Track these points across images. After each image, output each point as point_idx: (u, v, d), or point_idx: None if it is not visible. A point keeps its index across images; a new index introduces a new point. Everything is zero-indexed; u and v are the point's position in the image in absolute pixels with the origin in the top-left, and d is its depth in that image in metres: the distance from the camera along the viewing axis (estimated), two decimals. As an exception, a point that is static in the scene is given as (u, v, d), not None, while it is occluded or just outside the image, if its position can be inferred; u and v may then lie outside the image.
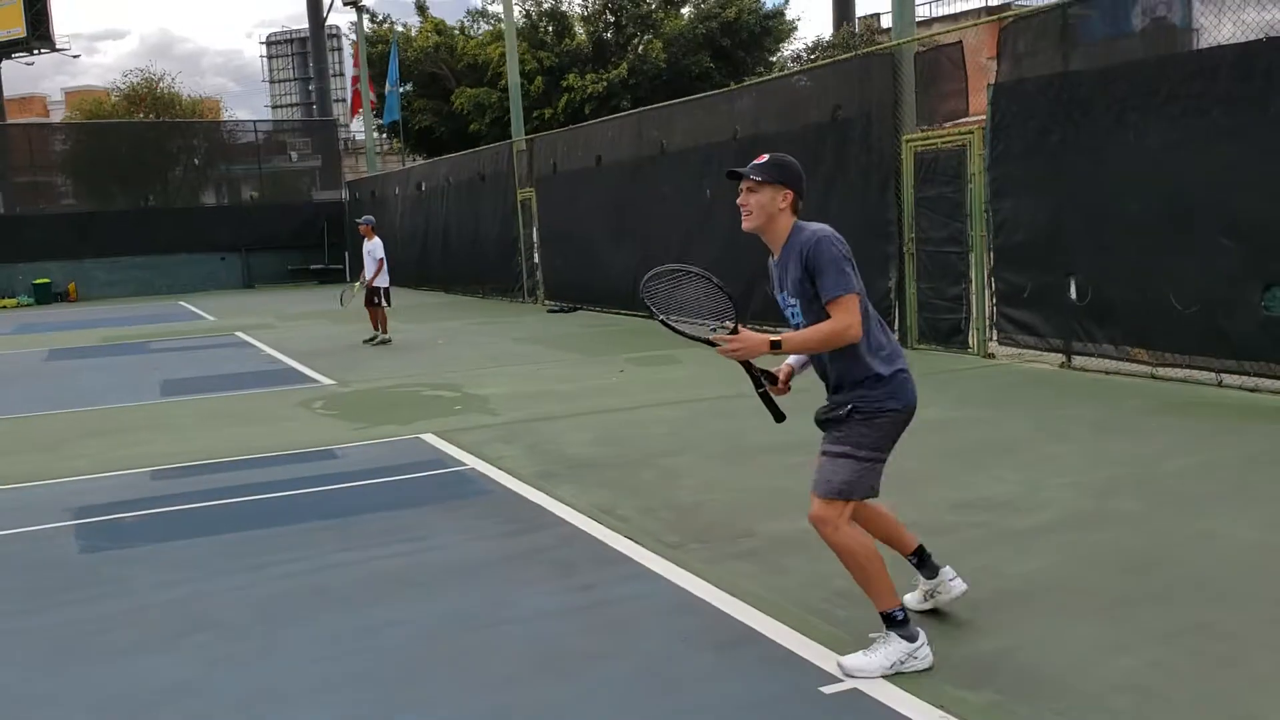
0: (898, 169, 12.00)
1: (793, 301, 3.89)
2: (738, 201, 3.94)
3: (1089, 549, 5.09)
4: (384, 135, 41.37)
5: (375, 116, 36.23)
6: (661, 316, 3.94)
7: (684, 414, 9.04)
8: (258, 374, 12.96)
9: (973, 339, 11.34)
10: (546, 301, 20.66)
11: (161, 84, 45.75)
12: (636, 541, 5.50)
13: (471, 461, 7.53)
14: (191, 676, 4.12)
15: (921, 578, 4.31)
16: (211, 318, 22.88)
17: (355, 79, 34.94)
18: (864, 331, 3.78)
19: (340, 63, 77.87)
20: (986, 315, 11.17)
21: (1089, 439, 7.42)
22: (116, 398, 11.53)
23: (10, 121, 44.83)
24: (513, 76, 23.21)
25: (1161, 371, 9.31)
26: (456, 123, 37.02)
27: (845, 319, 3.71)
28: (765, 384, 4.01)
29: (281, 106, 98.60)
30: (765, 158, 3.97)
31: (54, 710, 3.89)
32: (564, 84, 34.37)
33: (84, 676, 4.17)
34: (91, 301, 31.48)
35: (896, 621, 3.81)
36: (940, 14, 39.29)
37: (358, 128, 40.47)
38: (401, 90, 37.15)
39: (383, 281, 15.62)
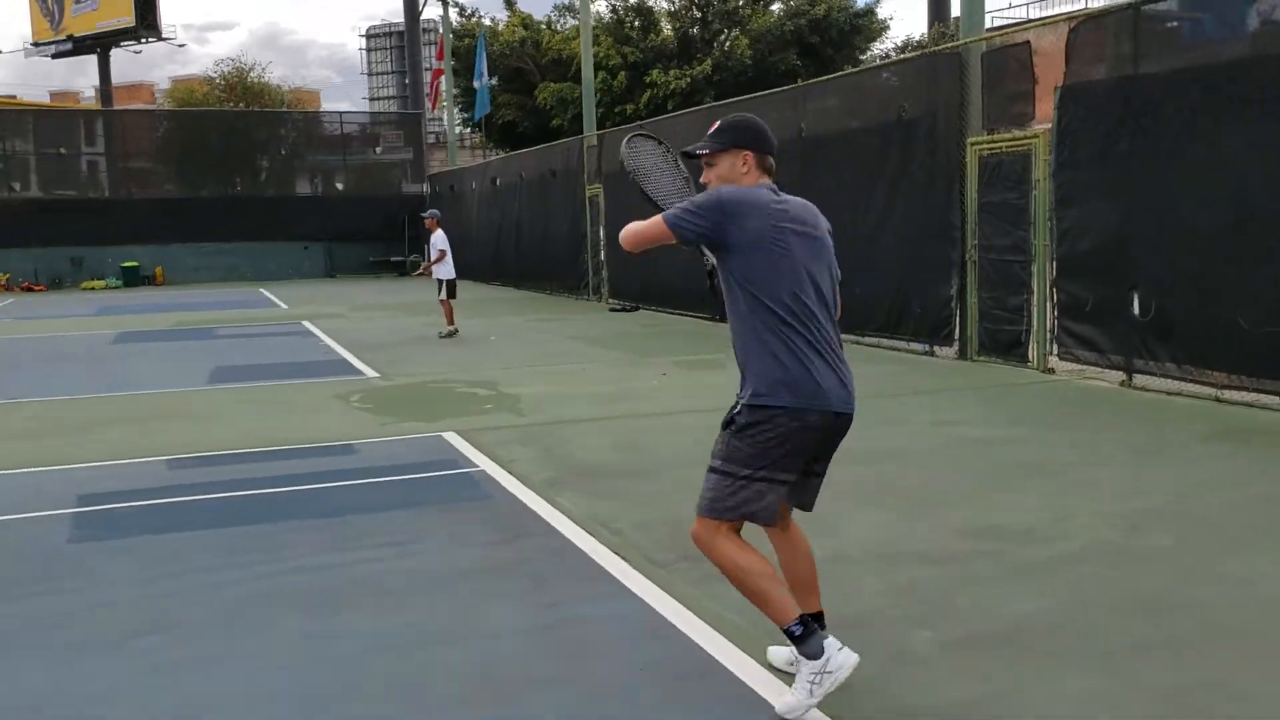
0: (962, 173, 11.54)
1: None
2: (700, 181, 3.63)
3: (1104, 587, 4.70)
4: (470, 130, 41.67)
5: (461, 111, 36.46)
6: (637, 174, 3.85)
7: (716, 421, 8.73)
8: (308, 364, 12.99)
9: (1032, 352, 10.84)
10: (610, 300, 20.50)
11: (252, 74, 46.75)
12: (623, 558, 5.25)
13: (483, 463, 7.35)
14: (128, 683, 3.98)
15: (794, 647, 3.54)
16: (285, 306, 23.19)
17: (437, 72, 35.15)
18: (758, 321, 3.45)
19: (434, 57, 78.98)
20: (1047, 328, 10.67)
21: (1134, 464, 6.96)
22: (164, 383, 11.63)
23: (106, 108, 46.15)
24: (586, 70, 23.08)
25: (1226, 394, 8.75)
26: (540, 118, 37.07)
27: (644, 225, 3.53)
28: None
29: (379, 99, 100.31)
30: (717, 124, 3.65)
31: (-22, 711, 3.79)
32: (648, 80, 34.19)
33: (16, 676, 4.06)
34: (176, 286, 32.21)
35: (795, 637, 3.47)
36: (1036, 15, 38.17)
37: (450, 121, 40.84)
38: (490, 84, 37.34)
39: (445, 273, 15.60)
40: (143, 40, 58.10)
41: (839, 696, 3.66)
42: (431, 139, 48.70)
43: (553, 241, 23.28)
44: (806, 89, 15.15)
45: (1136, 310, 9.52)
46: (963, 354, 11.72)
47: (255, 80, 46.58)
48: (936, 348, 12.12)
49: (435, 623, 4.48)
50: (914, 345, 12.42)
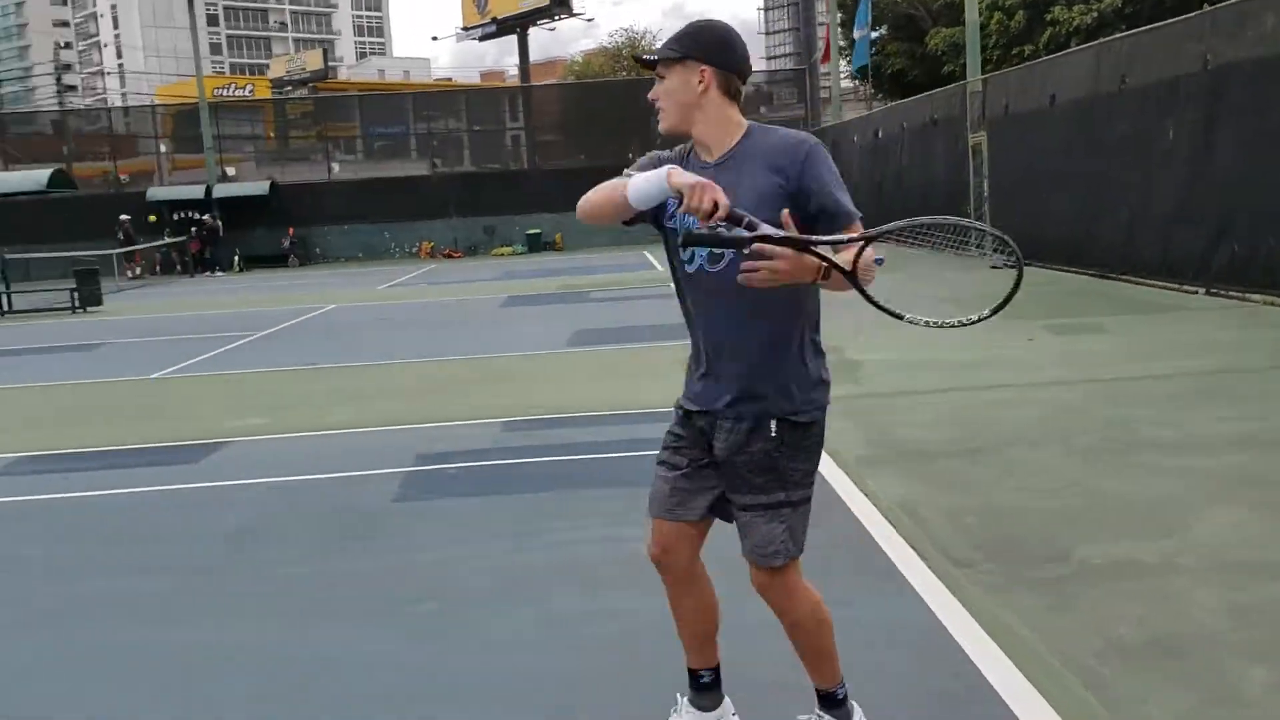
0: None
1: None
2: (648, 96, 2.89)
3: None
4: (857, 83, 40.82)
5: (848, 64, 35.76)
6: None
7: (1072, 396, 7.86)
8: (664, 327, 13.10)
9: None
10: (993, 255, 19.18)
11: (643, 41, 48.42)
12: (919, 552, 4.74)
13: (801, 436, 6.99)
14: (382, 651, 4.04)
15: (690, 703, 3.19)
16: (661, 268, 23.81)
17: (828, 26, 34.58)
18: (810, 306, 2.91)
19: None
20: None
21: None
22: (530, 345, 12.22)
23: (522, 84, 49.55)
24: (970, 11, 21.65)
25: None
26: (931, 65, 35.54)
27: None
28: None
29: (775, 57, 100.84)
30: (678, 30, 2.88)
31: (230, 665, 4.00)
32: (1048, 17, 31.66)
33: (288, 633, 4.28)
34: (573, 251, 34.06)
35: (837, 701, 3.05)
36: None
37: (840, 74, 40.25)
38: (876, 34, 36.27)
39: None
40: (556, 18, 62.04)
41: (1125, 747, 3.05)
42: (825, 94, 48.31)
43: (935, 194, 22.18)
44: (1214, 14, 13.24)
45: None
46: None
47: (647, 47, 48.25)
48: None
49: (696, 611, 4.25)
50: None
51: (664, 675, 3.66)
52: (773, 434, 2.83)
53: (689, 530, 2.99)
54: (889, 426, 7.19)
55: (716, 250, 2.72)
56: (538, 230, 34.61)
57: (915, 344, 10.54)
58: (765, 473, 2.85)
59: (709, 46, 2.78)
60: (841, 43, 35.61)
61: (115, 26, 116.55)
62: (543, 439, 7.45)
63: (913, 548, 4.80)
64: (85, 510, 6.40)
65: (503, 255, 33.93)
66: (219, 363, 12.52)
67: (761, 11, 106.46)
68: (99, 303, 21.41)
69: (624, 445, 7.09)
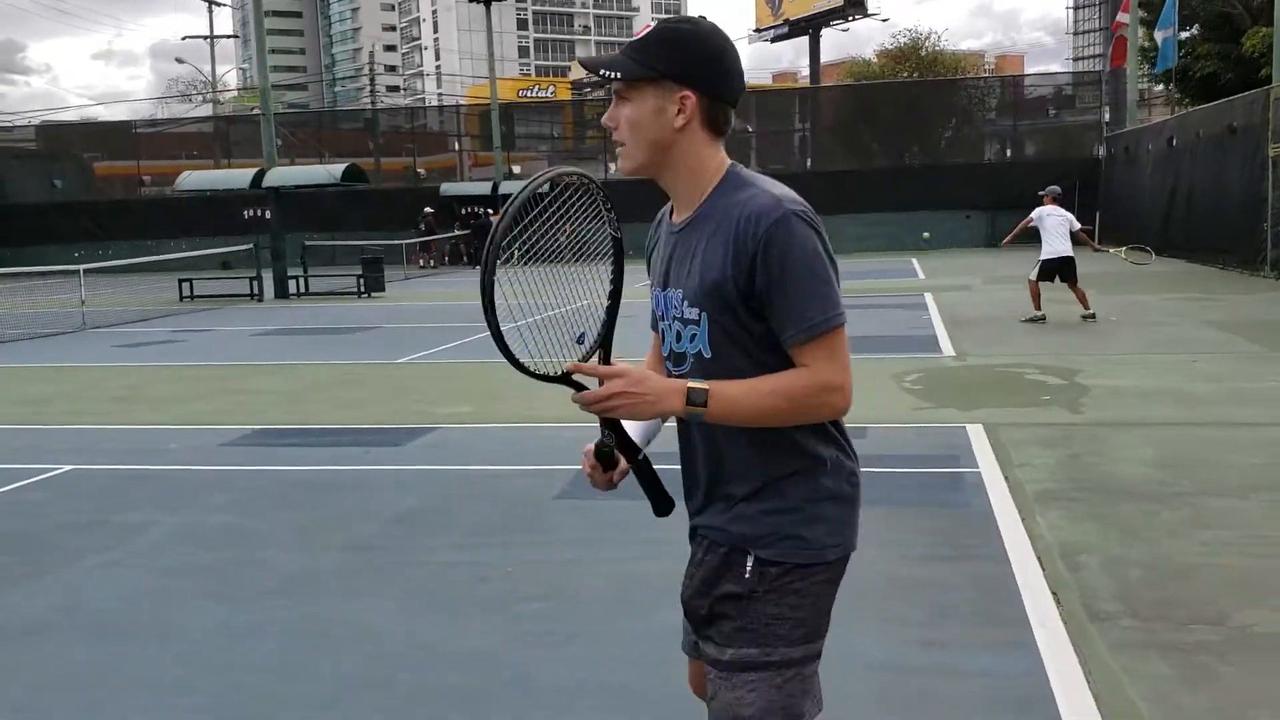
0: None
1: (692, 313, 2.08)
2: (603, 121, 2.14)
3: None
4: (1164, 86, 37.99)
5: (1148, 65, 33.33)
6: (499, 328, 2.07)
7: (1318, 440, 7.01)
8: (895, 338, 12.71)
9: None
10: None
11: (928, 42, 47.03)
12: (1059, 601, 4.38)
13: (986, 464, 6.60)
14: (479, 647, 4.16)
15: None
16: (922, 276, 23.08)
17: (1117, 25, 32.32)
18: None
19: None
20: None
21: None
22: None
23: (802, 87, 49.30)
24: (1279, 8, 19.64)
25: None
26: (1246, 68, 32.55)
27: (831, 373, 2.02)
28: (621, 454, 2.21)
29: (1082, 59, 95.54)
30: (644, 30, 2.11)
31: (334, 645, 4.21)
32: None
33: (403, 620, 4.47)
34: (842, 256, 33.48)
35: None
36: None
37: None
38: (1188, 34, 33.62)
39: (1043, 253, 14.13)
40: (849, 18, 61.39)
41: None
42: (1136, 98, 45.32)
43: (1226, 208, 20.34)
44: None
45: None
46: None
47: (930, 50, 46.82)
48: None
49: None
50: None
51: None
52: (747, 573, 2.08)
53: None
54: (1089, 460, 6.67)
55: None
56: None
57: (1155, 372, 9.73)
58: (734, 620, 2.09)
59: (695, 62, 2.01)
60: (1145, 44, 33.18)
61: (435, 30, 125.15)
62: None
63: (1054, 595, 4.44)
64: (284, 484, 6.90)
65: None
66: (461, 350, 13.19)
67: (1070, 10, 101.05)
68: (381, 289, 23.07)
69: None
